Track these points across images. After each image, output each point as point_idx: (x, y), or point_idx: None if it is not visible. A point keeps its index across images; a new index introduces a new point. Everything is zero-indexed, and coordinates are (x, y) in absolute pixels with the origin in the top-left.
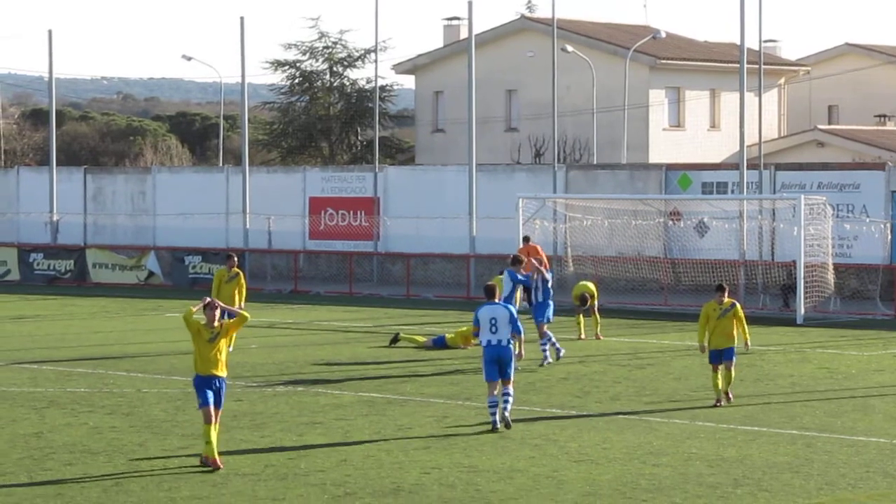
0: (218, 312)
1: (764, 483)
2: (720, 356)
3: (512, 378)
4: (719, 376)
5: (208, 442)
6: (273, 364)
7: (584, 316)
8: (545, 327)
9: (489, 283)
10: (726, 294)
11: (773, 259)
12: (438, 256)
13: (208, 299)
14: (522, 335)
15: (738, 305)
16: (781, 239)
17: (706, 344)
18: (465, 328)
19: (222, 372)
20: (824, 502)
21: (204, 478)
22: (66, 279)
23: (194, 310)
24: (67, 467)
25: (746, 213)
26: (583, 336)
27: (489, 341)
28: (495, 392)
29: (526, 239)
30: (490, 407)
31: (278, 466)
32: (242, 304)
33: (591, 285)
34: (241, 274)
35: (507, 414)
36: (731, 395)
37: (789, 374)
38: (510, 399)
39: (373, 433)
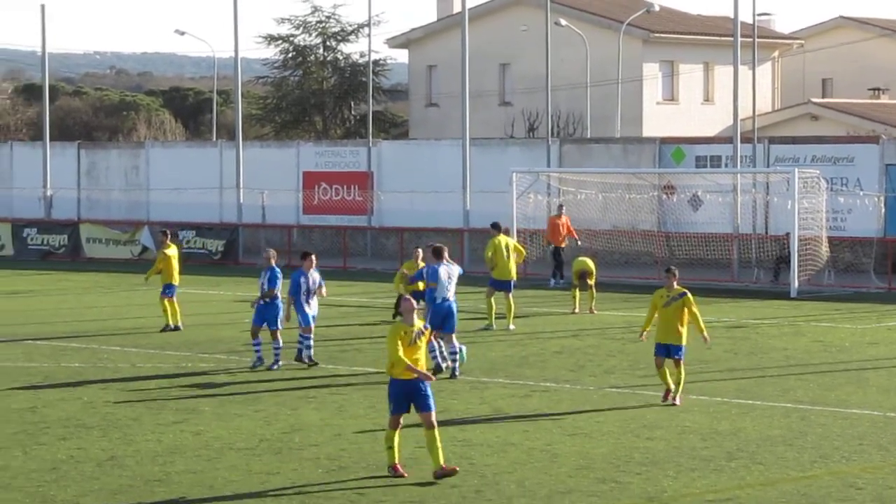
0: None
1: (758, 456)
2: (667, 350)
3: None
4: (666, 372)
5: (390, 448)
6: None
7: (579, 290)
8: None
9: (437, 244)
10: (675, 279)
11: (766, 232)
12: (432, 230)
13: (406, 297)
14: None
15: (690, 295)
16: (775, 212)
17: (646, 332)
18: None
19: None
20: (818, 475)
21: (198, 452)
22: (59, 254)
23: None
24: (62, 442)
25: (740, 187)
26: (577, 310)
27: (444, 298)
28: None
29: (559, 207)
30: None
31: (272, 441)
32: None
33: (591, 262)
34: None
35: (456, 367)
36: (678, 399)
37: (783, 347)
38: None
39: (367, 407)
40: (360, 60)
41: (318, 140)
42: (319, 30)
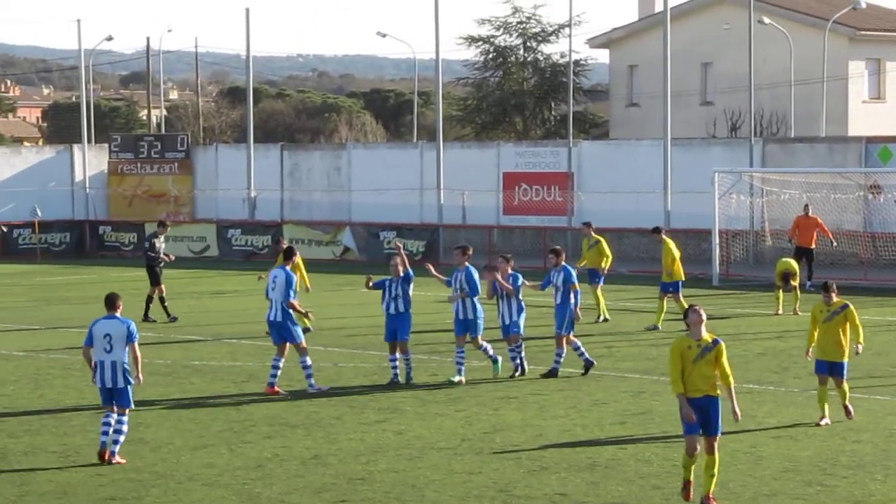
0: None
1: None
2: (829, 368)
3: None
4: (826, 393)
5: (685, 466)
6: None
7: (783, 291)
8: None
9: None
10: (834, 294)
11: None
12: (632, 231)
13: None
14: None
15: (852, 307)
16: None
17: (811, 350)
18: None
19: (715, 391)
20: None
21: (400, 451)
22: (263, 255)
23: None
24: (267, 440)
25: None
26: (780, 311)
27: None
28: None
29: (805, 208)
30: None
31: (474, 441)
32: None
33: (794, 262)
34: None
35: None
36: (850, 409)
37: None
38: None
39: (568, 408)
40: (561, 61)
41: (518, 141)
42: (520, 30)
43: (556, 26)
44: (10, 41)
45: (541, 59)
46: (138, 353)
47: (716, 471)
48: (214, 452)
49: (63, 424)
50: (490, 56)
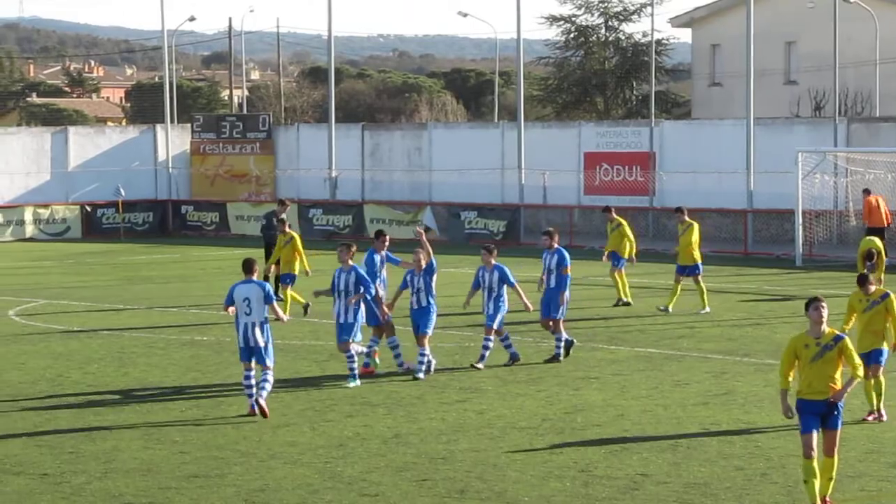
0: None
1: None
2: (867, 357)
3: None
4: (871, 384)
5: (806, 481)
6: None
7: (868, 271)
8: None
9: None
10: (873, 284)
11: None
12: (714, 211)
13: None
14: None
15: (893, 296)
16: None
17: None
18: None
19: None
20: None
21: (481, 431)
22: (344, 234)
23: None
24: (348, 419)
25: None
26: None
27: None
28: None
29: (866, 191)
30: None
31: (555, 420)
32: (307, 268)
33: (878, 241)
34: (297, 237)
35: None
36: (882, 414)
37: None
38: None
39: (650, 388)
40: (643, 40)
41: (599, 121)
42: (601, 10)
43: (638, 5)
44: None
45: (622, 38)
46: (279, 312)
47: (833, 474)
48: (296, 431)
49: (147, 402)
50: (571, 35)
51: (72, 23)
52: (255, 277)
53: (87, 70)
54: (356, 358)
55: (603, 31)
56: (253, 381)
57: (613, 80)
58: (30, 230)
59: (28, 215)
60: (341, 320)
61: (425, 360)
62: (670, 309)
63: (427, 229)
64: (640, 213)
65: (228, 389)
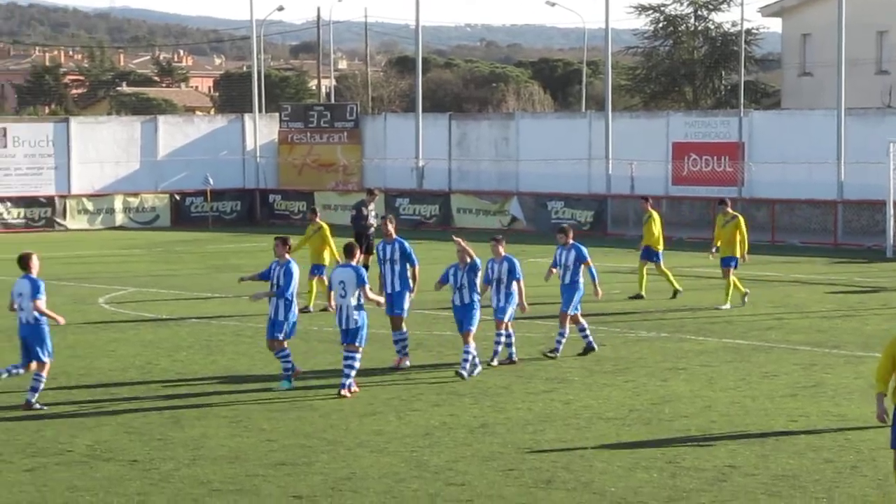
0: None
1: None
2: None
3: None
4: None
5: None
6: (634, 310)
7: None
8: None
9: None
10: None
11: None
12: (804, 202)
13: None
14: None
15: None
16: None
17: None
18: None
19: None
20: None
21: (568, 421)
22: (430, 224)
23: None
24: (435, 408)
25: None
26: None
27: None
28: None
29: None
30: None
31: (642, 411)
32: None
33: None
34: (325, 227)
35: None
36: None
37: None
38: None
39: (738, 380)
40: (732, 30)
41: (687, 110)
42: None
43: None
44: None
45: (712, 27)
46: (368, 294)
47: None
48: (383, 420)
49: (234, 390)
50: (660, 25)
51: (161, 12)
52: (353, 262)
53: (176, 60)
54: (291, 356)
55: (692, 20)
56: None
57: (702, 69)
58: (119, 218)
59: (118, 204)
60: (271, 317)
61: (470, 357)
62: (728, 304)
63: (513, 219)
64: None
65: (315, 378)
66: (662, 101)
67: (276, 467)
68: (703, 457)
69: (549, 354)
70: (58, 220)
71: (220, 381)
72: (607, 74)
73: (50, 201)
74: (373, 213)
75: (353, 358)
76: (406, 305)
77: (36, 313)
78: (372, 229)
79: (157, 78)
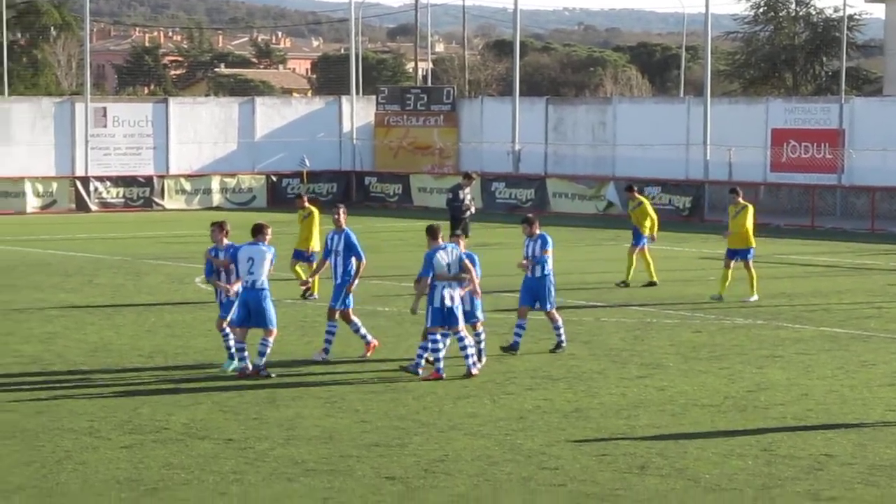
0: None
1: None
2: None
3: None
4: None
5: None
6: (732, 297)
7: None
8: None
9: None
10: None
11: None
12: None
13: None
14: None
15: None
16: None
17: None
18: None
19: None
20: None
21: (662, 407)
22: (526, 208)
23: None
24: (528, 392)
25: None
26: None
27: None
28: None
29: None
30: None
31: (737, 398)
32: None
33: None
34: (315, 212)
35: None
36: None
37: None
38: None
39: (835, 368)
40: (834, 15)
41: (787, 97)
42: None
43: None
44: None
45: (813, 13)
46: (472, 272)
47: None
48: (477, 403)
49: (329, 371)
50: (761, 10)
51: None
52: (440, 242)
53: (274, 41)
54: (231, 337)
55: (793, 5)
56: (441, 346)
57: (803, 55)
58: (217, 199)
59: (215, 184)
60: (218, 299)
61: (474, 347)
62: (723, 296)
63: (609, 204)
64: (827, 190)
65: (409, 360)
66: (762, 86)
67: (370, 448)
68: (799, 445)
69: (555, 349)
70: (156, 199)
71: (314, 362)
72: (706, 59)
73: (148, 181)
74: (468, 197)
75: (462, 339)
76: (348, 300)
77: (264, 278)
78: (469, 213)
79: (254, 60)
